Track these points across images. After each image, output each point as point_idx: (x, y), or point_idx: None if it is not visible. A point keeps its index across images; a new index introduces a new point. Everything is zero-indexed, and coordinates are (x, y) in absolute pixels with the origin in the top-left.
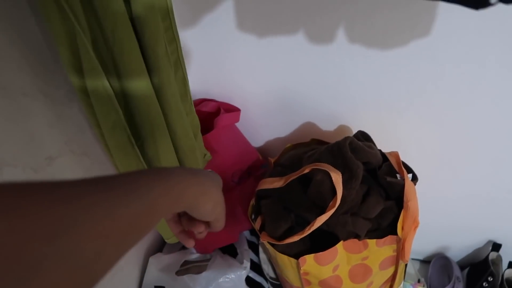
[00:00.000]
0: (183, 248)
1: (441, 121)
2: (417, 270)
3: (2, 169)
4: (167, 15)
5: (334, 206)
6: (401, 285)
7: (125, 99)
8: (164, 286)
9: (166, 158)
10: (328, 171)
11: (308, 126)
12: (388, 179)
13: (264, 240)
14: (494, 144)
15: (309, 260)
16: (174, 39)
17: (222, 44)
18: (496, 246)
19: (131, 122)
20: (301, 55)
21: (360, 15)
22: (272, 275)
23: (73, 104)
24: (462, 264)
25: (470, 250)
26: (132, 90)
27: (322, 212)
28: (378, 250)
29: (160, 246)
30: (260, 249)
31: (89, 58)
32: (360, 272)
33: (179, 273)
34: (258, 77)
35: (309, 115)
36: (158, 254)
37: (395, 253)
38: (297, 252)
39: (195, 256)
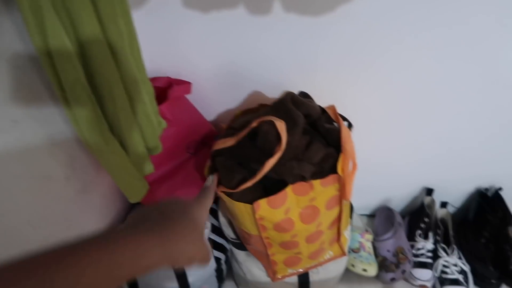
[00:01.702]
0: None
1: (374, 81)
2: (364, 223)
3: None
4: None
5: (280, 150)
6: (348, 229)
7: (83, 60)
8: None
9: (126, 120)
10: (273, 120)
11: (256, 96)
12: (326, 125)
13: (220, 191)
14: (417, 98)
15: (262, 205)
16: (126, 12)
17: (169, 23)
18: (429, 191)
19: (91, 83)
20: (243, 28)
21: None
22: (232, 235)
23: (34, 72)
24: (404, 213)
25: (409, 199)
26: (89, 50)
27: None
28: (323, 190)
29: (124, 217)
30: (220, 214)
31: (50, 16)
32: (310, 213)
33: None
34: (205, 52)
35: (256, 86)
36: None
37: (338, 193)
38: (251, 199)
39: None
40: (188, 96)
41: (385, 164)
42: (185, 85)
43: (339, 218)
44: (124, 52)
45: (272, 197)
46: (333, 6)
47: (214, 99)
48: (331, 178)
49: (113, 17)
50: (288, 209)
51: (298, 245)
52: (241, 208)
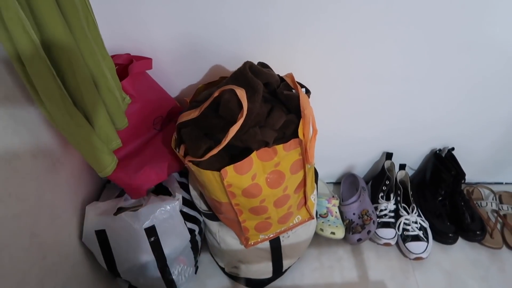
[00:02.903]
0: (119, 195)
1: (329, 48)
2: (331, 190)
3: None
4: None
5: (242, 116)
6: (315, 193)
7: (39, 30)
8: (105, 229)
9: (88, 94)
10: (234, 89)
11: (217, 69)
12: (285, 92)
13: (188, 161)
14: (371, 65)
15: (230, 171)
16: None
17: None
18: (389, 155)
19: (49, 55)
20: (199, 1)
21: None
22: (204, 207)
23: None
24: (367, 179)
25: (371, 165)
26: (43, 21)
27: None
28: (286, 155)
29: (96, 197)
30: (190, 187)
31: None
32: (275, 178)
33: (116, 214)
34: (164, 27)
35: (216, 58)
36: (94, 203)
37: (301, 157)
38: (218, 168)
39: (129, 202)
40: (150, 74)
41: (347, 133)
42: (145, 60)
43: (304, 182)
44: (79, 25)
45: (238, 164)
46: None
47: (176, 75)
48: (293, 142)
49: None
50: (255, 175)
51: (267, 210)
52: (209, 177)
